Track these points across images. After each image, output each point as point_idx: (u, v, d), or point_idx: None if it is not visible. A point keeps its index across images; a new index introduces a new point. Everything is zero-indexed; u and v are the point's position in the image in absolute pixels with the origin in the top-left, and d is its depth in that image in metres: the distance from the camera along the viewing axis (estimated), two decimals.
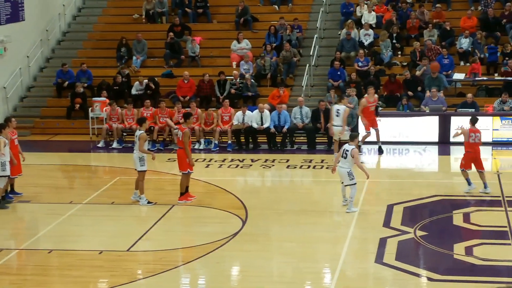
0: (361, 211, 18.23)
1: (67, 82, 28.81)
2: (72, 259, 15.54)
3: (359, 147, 20.69)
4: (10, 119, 19.79)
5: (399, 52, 29.25)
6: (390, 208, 18.32)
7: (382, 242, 16.02)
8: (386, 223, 17.30)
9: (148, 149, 19.93)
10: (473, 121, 19.51)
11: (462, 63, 28.45)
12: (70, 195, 20.11)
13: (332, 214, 18.30)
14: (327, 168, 22.26)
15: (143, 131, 18.81)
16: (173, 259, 15.58)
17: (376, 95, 24.40)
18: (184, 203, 18.78)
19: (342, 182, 18.31)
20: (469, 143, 19.27)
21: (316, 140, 25.03)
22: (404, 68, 28.25)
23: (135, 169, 18.90)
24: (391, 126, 25.13)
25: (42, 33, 30.92)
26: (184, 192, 18.91)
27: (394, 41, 29.13)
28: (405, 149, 24.70)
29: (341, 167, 18.07)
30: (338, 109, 22.28)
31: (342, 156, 18.02)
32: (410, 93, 26.71)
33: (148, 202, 18.76)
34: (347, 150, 17.93)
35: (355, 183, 18.04)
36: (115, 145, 25.70)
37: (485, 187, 19.43)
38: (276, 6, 31.97)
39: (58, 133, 27.69)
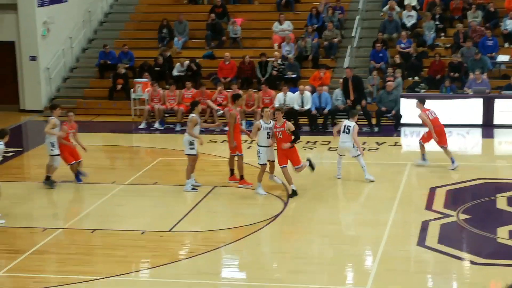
0: (403, 194, 18.15)
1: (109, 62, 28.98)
2: (115, 239, 15.69)
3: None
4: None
5: (442, 34, 28.94)
6: (432, 191, 18.21)
7: (424, 225, 15.94)
8: (429, 206, 17.20)
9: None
10: (422, 102, 20.41)
11: (506, 44, 28.07)
12: (112, 176, 20.26)
13: (374, 197, 18.23)
14: (369, 150, 22.17)
15: (195, 114, 18.53)
16: (215, 240, 15.64)
17: None
18: (245, 187, 18.69)
19: (342, 155, 19.42)
20: (433, 120, 20.03)
21: (358, 122, 24.88)
22: (447, 50, 27.98)
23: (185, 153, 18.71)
24: (434, 108, 24.85)
25: (84, 14, 31.08)
26: (231, 174, 18.89)
27: (437, 22, 28.83)
28: (448, 131, 24.32)
29: (345, 142, 19.15)
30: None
31: (344, 132, 19.14)
32: (455, 74, 26.39)
33: (193, 189, 18.64)
34: (349, 126, 19.09)
35: (359, 154, 19.10)
36: (156, 126, 25.82)
37: (453, 162, 19.98)
38: None
39: (100, 114, 27.87)
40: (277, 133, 17.86)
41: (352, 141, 19.02)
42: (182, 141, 18.72)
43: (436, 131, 20.00)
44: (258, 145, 18.08)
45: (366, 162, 19.16)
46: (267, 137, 17.95)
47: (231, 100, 19.32)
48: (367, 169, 19.10)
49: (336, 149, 19.81)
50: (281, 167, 18.06)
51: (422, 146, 20.34)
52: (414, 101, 24.49)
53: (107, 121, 27.08)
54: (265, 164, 18.08)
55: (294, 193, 17.87)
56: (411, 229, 15.83)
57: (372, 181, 18.98)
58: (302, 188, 18.62)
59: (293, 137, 17.92)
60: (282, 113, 18.18)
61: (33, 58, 28.51)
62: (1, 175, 20.60)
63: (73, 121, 19.58)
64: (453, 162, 20.04)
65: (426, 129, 20.26)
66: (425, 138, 20.29)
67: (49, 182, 19.01)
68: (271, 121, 17.96)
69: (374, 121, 24.71)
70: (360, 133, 21.96)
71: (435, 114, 20.19)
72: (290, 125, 18.02)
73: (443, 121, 24.59)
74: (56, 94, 29.22)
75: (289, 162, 18.11)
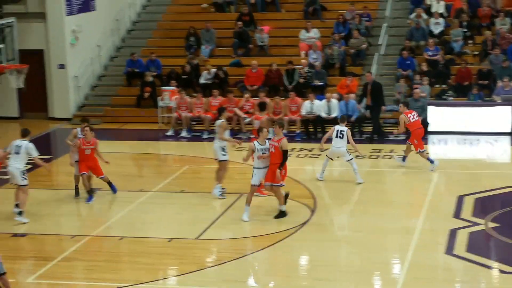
0: (431, 201, 18.08)
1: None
2: (142, 246, 15.74)
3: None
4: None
5: (470, 41, 28.80)
6: (460, 199, 18.10)
7: (453, 233, 15.85)
8: (457, 214, 17.11)
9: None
10: (406, 105, 21.27)
11: None
12: (140, 183, 20.35)
13: (401, 205, 18.17)
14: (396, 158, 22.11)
15: (223, 120, 18.68)
16: (242, 247, 15.66)
17: None
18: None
19: (331, 159, 19.90)
20: (414, 123, 20.73)
21: (385, 130, 24.85)
22: (475, 58, 27.84)
23: (216, 159, 18.66)
24: (461, 116, 24.80)
25: (112, 22, 31.28)
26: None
27: (464, 30, 28.70)
28: (476, 139, 24.34)
29: (339, 147, 19.54)
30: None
31: (337, 137, 19.46)
32: (483, 82, 26.25)
33: (221, 195, 18.61)
34: (343, 131, 19.42)
35: (352, 158, 19.64)
36: (184, 133, 25.91)
37: (432, 162, 20.62)
38: None
39: (128, 122, 28.00)
40: (271, 146, 16.82)
41: (345, 146, 19.55)
42: (213, 149, 18.69)
43: (417, 132, 20.70)
44: (253, 167, 17.15)
45: (393, 169, 19.07)
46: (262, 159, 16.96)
47: (258, 108, 19.29)
48: (359, 173, 19.66)
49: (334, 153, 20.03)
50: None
51: (423, 154, 20.80)
52: (442, 108, 24.63)
53: (135, 129, 27.20)
54: (257, 185, 17.15)
55: (282, 214, 17.03)
56: (439, 237, 15.74)
57: (361, 183, 19.47)
58: (328, 196, 18.60)
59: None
60: (282, 129, 17.33)
61: (62, 67, 28.72)
62: (30, 182, 20.75)
63: (92, 137, 18.76)
64: (432, 162, 20.64)
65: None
66: (416, 145, 20.76)
67: (86, 192, 18.98)
68: (267, 142, 16.95)
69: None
70: (386, 141, 21.98)
71: (416, 117, 20.93)
72: (285, 143, 16.76)
73: (471, 128, 24.63)
74: (84, 102, 29.40)
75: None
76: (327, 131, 24.28)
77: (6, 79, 25.29)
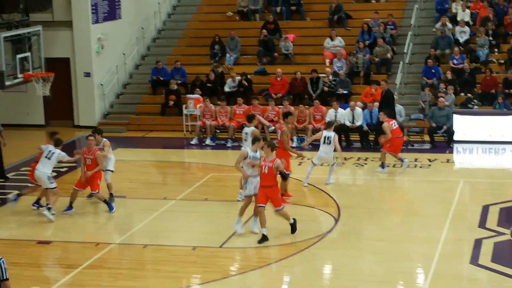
0: (455, 211, 17.98)
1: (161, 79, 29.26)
2: (166, 254, 15.78)
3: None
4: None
5: (496, 50, 28.66)
6: (485, 209, 18.00)
7: (477, 243, 15.75)
8: (482, 224, 17.01)
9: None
10: (389, 115, 21.74)
11: None
12: (164, 191, 20.41)
13: (425, 214, 18.07)
14: (420, 167, 22.03)
15: (253, 127, 18.85)
16: (266, 256, 15.65)
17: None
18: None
19: (316, 164, 20.07)
20: (396, 130, 21.30)
21: (410, 139, 24.77)
22: (501, 66, 27.71)
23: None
24: (487, 125, 24.67)
25: (138, 31, 31.44)
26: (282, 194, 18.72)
27: (490, 38, 28.57)
28: (502, 148, 24.20)
29: (327, 153, 19.83)
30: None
31: (324, 143, 19.76)
32: (510, 90, 26.09)
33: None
34: (330, 137, 19.69)
35: (335, 162, 20.22)
36: (208, 142, 25.95)
37: (383, 167, 21.38)
38: (374, 1, 31.82)
39: (152, 130, 28.10)
40: (263, 167, 16.06)
41: (332, 152, 19.96)
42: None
43: (397, 140, 21.30)
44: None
45: (418, 179, 18.99)
46: (253, 166, 16.49)
47: (282, 117, 19.26)
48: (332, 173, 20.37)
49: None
50: (258, 206, 16.35)
51: (383, 155, 21.47)
52: (467, 117, 24.50)
53: (159, 137, 27.28)
54: (251, 195, 16.63)
55: (264, 238, 16.15)
56: (464, 247, 15.66)
57: (330, 183, 20.19)
58: (352, 205, 18.57)
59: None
60: (273, 150, 16.18)
61: (87, 75, 28.89)
62: None
63: (95, 148, 18.52)
64: (402, 161, 21.37)
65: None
66: (393, 150, 21.36)
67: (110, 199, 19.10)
68: (258, 151, 16.53)
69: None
70: (410, 150, 21.96)
71: (396, 125, 21.50)
72: (279, 163, 16.02)
73: (496, 137, 24.50)
74: (109, 110, 29.55)
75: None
76: (349, 139, 24.48)
77: (33, 87, 25.45)
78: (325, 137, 19.90)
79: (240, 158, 16.74)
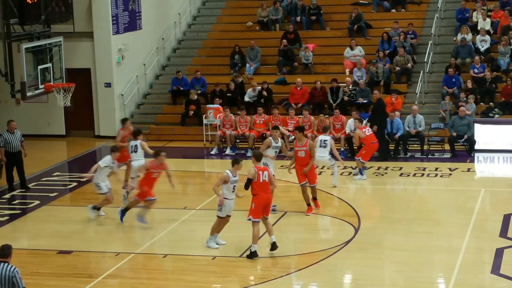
0: (476, 220, 17.90)
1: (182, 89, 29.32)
2: (187, 264, 15.80)
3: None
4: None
5: None
6: (507, 218, 17.89)
7: (499, 253, 15.66)
8: (503, 233, 16.91)
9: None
10: (361, 122, 22.81)
11: None
12: (184, 201, 20.44)
13: (446, 224, 18.00)
14: (441, 176, 21.95)
15: (272, 139, 18.91)
16: (285, 265, 15.63)
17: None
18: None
19: (319, 166, 20.93)
20: (368, 137, 22.05)
21: (431, 148, 24.69)
22: None
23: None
24: (508, 134, 24.55)
25: (158, 41, 31.56)
26: (308, 204, 18.76)
27: (511, 47, 28.43)
28: None
29: (323, 156, 20.22)
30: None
31: (321, 146, 20.14)
32: None
33: (272, 211, 18.34)
34: (326, 140, 20.30)
35: (335, 163, 20.81)
36: (228, 151, 25.96)
37: (361, 173, 21.86)
38: (394, 10, 31.77)
39: (172, 140, 28.16)
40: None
41: (328, 155, 20.52)
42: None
43: (372, 146, 22.08)
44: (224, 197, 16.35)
45: (438, 188, 18.90)
46: (233, 191, 16.26)
47: (297, 132, 18.87)
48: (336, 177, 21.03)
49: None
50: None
51: (359, 162, 22.00)
52: (488, 126, 24.39)
53: (180, 147, 27.33)
54: (224, 217, 16.52)
55: (274, 246, 16.05)
56: (485, 257, 15.58)
57: (335, 187, 20.78)
58: (372, 215, 18.52)
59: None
60: (257, 160, 16.23)
61: (108, 85, 29.01)
62: (76, 200, 21.02)
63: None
64: (361, 173, 21.82)
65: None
66: (363, 155, 22.02)
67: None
68: (238, 175, 16.21)
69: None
70: (431, 159, 21.95)
71: (370, 131, 22.36)
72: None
73: None
74: (129, 120, 29.55)
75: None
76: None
77: (54, 97, 25.60)
78: (321, 140, 20.52)
79: (219, 181, 16.22)
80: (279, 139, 18.70)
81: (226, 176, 16.06)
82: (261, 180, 15.84)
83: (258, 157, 16.21)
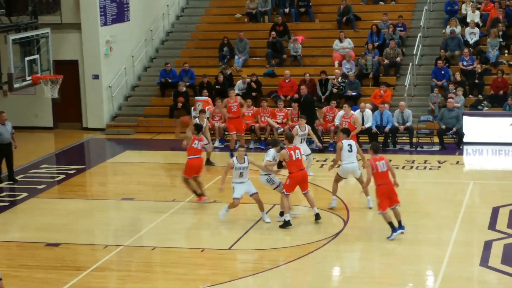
0: (465, 213, 17.91)
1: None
2: (175, 257, 15.76)
3: None
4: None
5: (506, 51, 28.55)
6: (495, 211, 17.91)
7: (487, 245, 15.68)
8: (492, 226, 16.93)
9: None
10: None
11: None
12: (172, 193, 20.37)
13: (435, 216, 18.00)
14: (430, 169, 21.95)
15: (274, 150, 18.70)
16: (274, 258, 15.60)
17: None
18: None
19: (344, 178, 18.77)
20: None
21: (420, 140, 24.68)
22: (511, 67, 27.59)
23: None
24: (497, 126, 24.56)
25: (146, 33, 31.42)
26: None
27: (500, 39, 28.45)
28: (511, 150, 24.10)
29: (352, 163, 18.24)
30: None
31: (348, 151, 18.12)
32: None
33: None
34: (351, 145, 18.25)
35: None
36: (216, 144, 25.88)
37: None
38: (382, 2, 31.73)
39: (161, 132, 28.07)
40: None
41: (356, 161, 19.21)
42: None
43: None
44: (232, 182, 17.57)
45: (427, 181, 18.86)
46: (240, 176, 17.38)
47: (286, 139, 18.57)
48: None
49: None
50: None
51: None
52: (477, 118, 24.40)
53: (168, 139, 27.21)
54: (238, 198, 17.41)
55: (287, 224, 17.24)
56: (474, 249, 15.60)
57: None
58: (361, 207, 18.50)
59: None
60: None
61: (96, 77, 28.88)
62: (64, 192, 20.92)
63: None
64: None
65: None
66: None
67: None
68: (245, 160, 17.36)
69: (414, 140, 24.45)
70: (420, 151, 21.88)
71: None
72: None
73: (506, 139, 24.41)
74: (117, 112, 29.52)
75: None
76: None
77: (41, 89, 25.44)
78: (348, 145, 18.40)
79: (227, 168, 17.59)
80: (244, 159, 17.52)
81: (231, 163, 17.32)
82: (294, 159, 17.07)
83: (290, 139, 17.48)
